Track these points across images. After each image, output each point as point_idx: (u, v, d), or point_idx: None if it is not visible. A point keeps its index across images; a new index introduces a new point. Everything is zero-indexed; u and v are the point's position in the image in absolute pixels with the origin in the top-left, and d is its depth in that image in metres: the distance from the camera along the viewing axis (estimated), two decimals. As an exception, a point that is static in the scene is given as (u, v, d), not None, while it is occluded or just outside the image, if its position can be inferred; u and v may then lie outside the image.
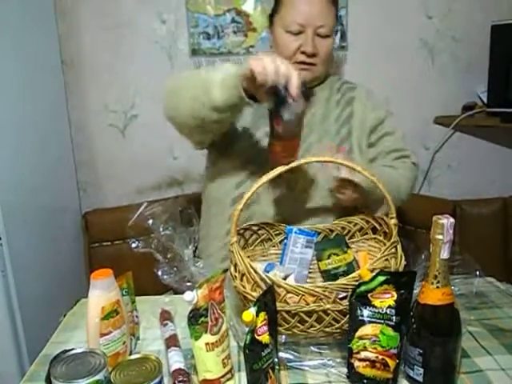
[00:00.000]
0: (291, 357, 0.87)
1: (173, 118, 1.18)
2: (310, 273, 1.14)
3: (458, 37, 1.98)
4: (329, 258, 1.08)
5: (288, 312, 0.83)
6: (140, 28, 1.90)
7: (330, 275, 1.06)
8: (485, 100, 1.95)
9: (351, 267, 1.05)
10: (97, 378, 0.72)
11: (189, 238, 1.00)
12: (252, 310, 0.73)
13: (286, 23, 1.22)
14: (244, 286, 0.89)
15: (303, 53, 1.22)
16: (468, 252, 0.96)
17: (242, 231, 1.10)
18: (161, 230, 0.98)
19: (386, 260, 0.88)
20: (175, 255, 0.99)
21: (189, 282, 0.96)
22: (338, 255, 1.08)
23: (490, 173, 2.11)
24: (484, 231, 1.91)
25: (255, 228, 1.14)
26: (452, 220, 0.78)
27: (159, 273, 1.00)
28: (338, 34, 1.90)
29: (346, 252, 1.08)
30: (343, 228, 1.16)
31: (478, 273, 0.93)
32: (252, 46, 1.92)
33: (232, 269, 0.92)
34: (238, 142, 1.26)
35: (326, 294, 0.82)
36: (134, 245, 1.00)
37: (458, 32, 1.97)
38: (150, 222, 0.99)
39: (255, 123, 1.26)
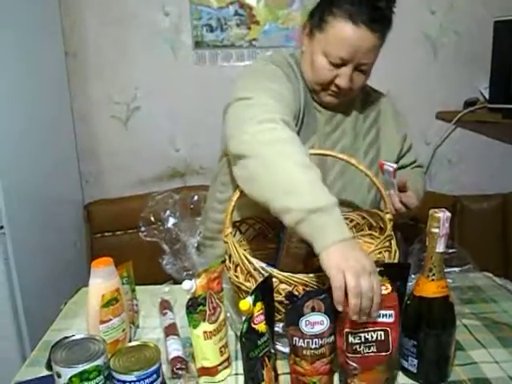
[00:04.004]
0: (287, 350, 0.88)
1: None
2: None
3: (460, 32, 1.98)
4: None
5: (281, 302, 0.83)
6: (143, 20, 1.90)
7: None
8: (487, 96, 1.95)
9: None
10: (96, 363, 0.73)
11: (194, 227, 1.02)
12: (249, 299, 0.74)
13: (328, 51, 1.07)
14: (238, 277, 0.89)
15: (337, 86, 1.11)
16: (467, 247, 0.97)
17: (237, 224, 1.11)
18: (170, 218, 1.00)
19: (380, 253, 0.89)
20: (180, 246, 1.01)
21: (189, 271, 0.97)
22: None
23: (490, 169, 2.12)
24: (484, 227, 1.93)
25: (251, 222, 1.14)
26: (448, 214, 0.79)
27: (163, 262, 1.01)
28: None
29: None
30: None
31: (470, 266, 0.93)
32: (255, 39, 1.93)
33: (227, 260, 0.93)
34: None
35: (319, 284, 0.83)
36: (143, 235, 1.01)
37: (460, 27, 1.97)
38: (164, 211, 1.00)
39: None
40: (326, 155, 1.01)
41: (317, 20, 1.10)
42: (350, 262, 0.75)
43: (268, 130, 0.91)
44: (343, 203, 1.19)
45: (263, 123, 0.92)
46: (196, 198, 1.07)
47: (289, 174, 0.85)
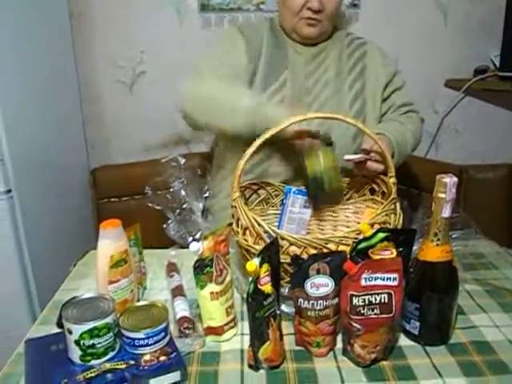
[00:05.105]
0: (292, 311, 0.90)
1: (199, 126, 1.31)
2: (308, 233, 1.16)
3: (473, -2, 1.93)
4: None
5: (290, 264, 0.85)
6: (148, -18, 1.86)
7: None
8: (497, 64, 1.92)
9: None
10: (106, 320, 0.76)
11: (200, 191, 1.02)
12: (255, 261, 0.76)
13: None
14: (247, 240, 0.90)
15: (309, 9, 1.21)
16: (472, 216, 0.97)
17: (242, 189, 1.11)
18: (176, 182, 1.00)
19: (386, 215, 0.90)
20: (186, 211, 1.02)
21: (194, 235, 0.98)
22: None
23: (497, 138, 2.10)
24: (489, 197, 1.92)
25: (255, 187, 1.15)
26: (455, 179, 0.79)
27: (168, 228, 1.02)
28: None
29: None
30: None
31: (473, 230, 0.94)
32: (262, 3, 1.88)
33: (234, 224, 0.93)
34: None
35: (328, 246, 0.84)
36: (149, 201, 1.02)
37: (473, -8, 1.92)
38: (170, 175, 1.01)
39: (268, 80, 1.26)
40: (315, 118, 1.02)
41: None
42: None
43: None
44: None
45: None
46: (202, 161, 1.08)
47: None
